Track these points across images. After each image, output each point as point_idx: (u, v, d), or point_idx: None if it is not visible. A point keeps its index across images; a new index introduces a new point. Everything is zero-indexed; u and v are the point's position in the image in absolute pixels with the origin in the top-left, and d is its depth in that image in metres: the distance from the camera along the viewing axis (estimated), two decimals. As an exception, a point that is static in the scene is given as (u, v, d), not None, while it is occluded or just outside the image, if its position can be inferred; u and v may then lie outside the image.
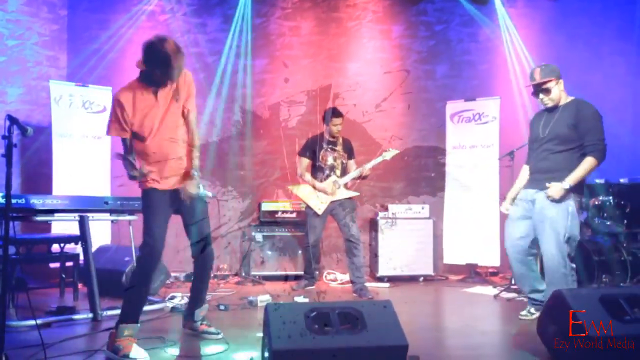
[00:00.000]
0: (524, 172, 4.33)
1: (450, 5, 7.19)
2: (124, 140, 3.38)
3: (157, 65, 3.17)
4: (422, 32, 7.24)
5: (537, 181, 4.08)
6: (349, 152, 5.66)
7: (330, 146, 5.58)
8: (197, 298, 3.72)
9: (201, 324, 3.68)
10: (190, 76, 3.49)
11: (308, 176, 5.62)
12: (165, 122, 3.35)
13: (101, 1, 6.82)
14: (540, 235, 4.01)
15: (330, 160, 5.56)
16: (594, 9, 6.74)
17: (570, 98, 4.10)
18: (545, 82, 4.01)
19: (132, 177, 3.36)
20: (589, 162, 3.89)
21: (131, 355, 3.09)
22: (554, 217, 3.92)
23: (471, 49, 7.15)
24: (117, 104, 3.25)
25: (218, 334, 3.60)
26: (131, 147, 3.39)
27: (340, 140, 5.63)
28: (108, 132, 3.35)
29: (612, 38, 6.61)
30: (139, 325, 3.29)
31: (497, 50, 7.02)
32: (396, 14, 7.25)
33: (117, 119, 3.27)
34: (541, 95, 4.06)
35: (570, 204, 3.92)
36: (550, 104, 4.07)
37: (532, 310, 4.18)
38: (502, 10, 6.96)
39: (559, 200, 3.90)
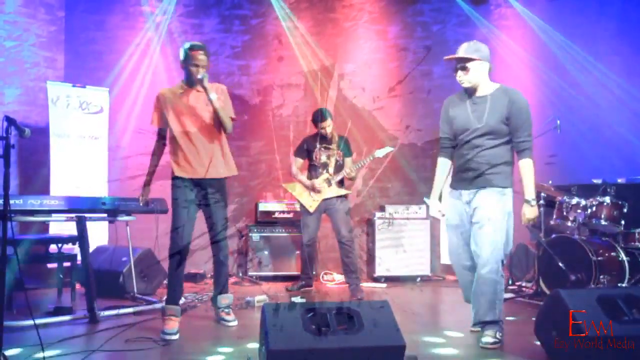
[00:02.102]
0: (444, 167, 3.81)
1: (446, 6, 7.20)
2: (158, 131, 4.01)
3: (186, 64, 3.83)
4: (418, 32, 7.25)
5: (470, 180, 3.59)
6: (345, 150, 5.62)
7: (324, 145, 5.56)
8: (216, 283, 4.14)
9: (222, 311, 4.06)
10: (224, 88, 4.04)
11: (299, 174, 5.62)
12: (196, 122, 3.88)
13: (98, 2, 6.81)
14: (476, 238, 3.53)
15: (323, 158, 5.55)
16: (591, 9, 6.76)
17: (496, 85, 3.68)
18: (467, 60, 3.56)
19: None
20: (530, 165, 3.52)
21: (165, 330, 3.63)
22: (493, 220, 3.47)
23: (468, 49, 7.16)
24: (156, 97, 3.97)
25: (233, 321, 4.02)
26: (164, 139, 4.01)
27: (336, 138, 5.60)
28: (151, 122, 4.00)
29: (609, 37, 6.62)
30: (177, 307, 3.81)
31: (493, 51, 7.01)
32: (392, 14, 7.26)
33: (155, 110, 3.96)
34: (459, 73, 3.59)
35: (508, 204, 3.53)
36: (466, 85, 3.62)
37: (498, 335, 3.48)
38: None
39: (497, 201, 3.49)
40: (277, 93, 7.13)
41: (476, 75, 3.60)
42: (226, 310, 4.07)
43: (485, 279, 3.49)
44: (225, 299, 4.09)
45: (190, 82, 3.88)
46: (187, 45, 3.87)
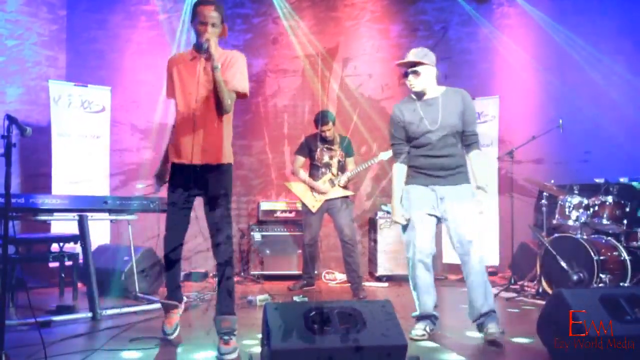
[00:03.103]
0: (402, 173, 3.77)
1: (449, 5, 7.19)
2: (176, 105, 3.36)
3: (193, 24, 3.24)
4: (420, 31, 7.24)
5: (443, 177, 3.64)
6: (347, 151, 5.61)
7: (326, 145, 5.55)
8: (217, 301, 3.33)
9: (220, 337, 3.20)
10: (239, 55, 3.33)
11: (302, 173, 5.60)
12: (201, 95, 3.25)
13: (100, 1, 6.82)
14: (460, 231, 3.60)
15: (325, 159, 5.53)
16: (593, 7, 6.74)
17: (443, 88, 3.75)
18: (418, 64, 3.64)
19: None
20: (481, 156, 3.74)
21: (164, 328, 3.48)
22: (473, 213, 3.62)
23: (470, 48, 7.15)
24: (167, 66, 3.38)
25: (230, 353, 3.12)
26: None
27: (338, 138, 5.59)
28: (167, 95, 3.45)
29: (612, 36, 6.61)
30: (177, 304, 3.51)
31: (496, 50, 7.02)
32: (395, 13, 7.25)
33: (167, 81, 3.39)
34: (411, 77, 3.66)
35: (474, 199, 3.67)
36: (417, 89, 3.67)
37: (428, 329, 3.69)
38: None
39: (471, 196, 3.63)
40: (278, 91, 7.12)
41: (426, 79, 3.69)
42: (225, 337, 3.18)
43: (478, 270, 3.62)
44: (225, 322, 3.23)
45: (198, 46, 3.27)
46: None
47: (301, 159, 5.65)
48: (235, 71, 3.27)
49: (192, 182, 3.29)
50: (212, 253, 3.35)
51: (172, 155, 3.33)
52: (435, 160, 3.64)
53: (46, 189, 5.91)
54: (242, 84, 3.30)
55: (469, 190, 3.67)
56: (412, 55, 3.69)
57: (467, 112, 3.66)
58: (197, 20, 3.20)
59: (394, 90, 7.08)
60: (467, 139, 3.70)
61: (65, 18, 6.73)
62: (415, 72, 3.66)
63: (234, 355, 3.14)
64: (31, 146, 6.20)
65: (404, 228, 3.77)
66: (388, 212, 3.82)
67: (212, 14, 3.18)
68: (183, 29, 6.86)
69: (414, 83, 3.68)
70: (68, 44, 6.73)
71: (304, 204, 5.55)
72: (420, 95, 3.72)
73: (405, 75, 3.72)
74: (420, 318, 3.75)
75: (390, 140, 3.85)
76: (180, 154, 3.26)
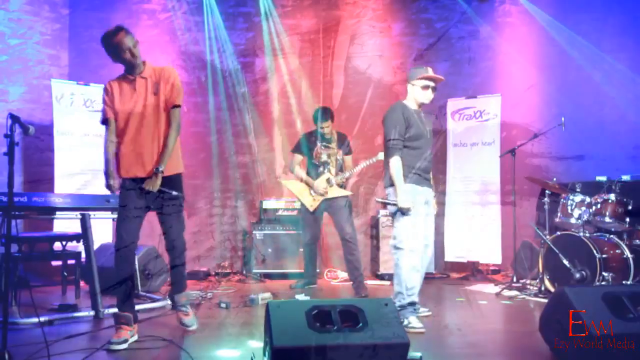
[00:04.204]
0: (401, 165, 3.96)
1: (451, 3, 7.17)
2: (108, 123, 3.60)
3: (111, 56, 3.52)
4: (422, 29, 7.23)
5: (427, 181, 4.10)
6: (345, 149, 5.56)
7: (324, 143, 5.49)
8: (172, 283, 3.88)
9: (178, 311, 3.78)
10: (171, 71, 3.64)
11: (299, 170, 5.55)
12: (142, 113, 3.52)
13: (102, 0, 6.82)
14: (429, 235, 4.17)
15: (324, 157, 5.46)
16: (595, 5, 6.73)
17: None
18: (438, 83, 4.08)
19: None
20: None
21: (112, 340, 3.34)
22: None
23: (472, 46, 7.14)
24: (104, 89, 3.64)
25: (191, 326, 3.74)
26: (113, 132, 3.59)
27: (335, 136, 5.52)
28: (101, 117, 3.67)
29: (614, 34, 6.59)
30: (127, 314, 3.50)
31: (497, 48, 7.01)
32: (396, 11, 7.24)
33: (104, 103, 3.62)
34: (433, 94, 4.07)
35: None
36: (428, 102, 4.12)
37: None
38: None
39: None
40: (280, 90, 7.12)
41: None
42: (184, 310, 3.77)
43: (428, 261, 4.26)
44: (182, 297, 3.80)
45: (129, 71, 3.62)
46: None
47: (298, 157, 5.60)
48: (172, 87, 3.58)
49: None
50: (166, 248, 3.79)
51: (121, 170, 3.59)
52: (425, 164, 4.05)
53: (49, 187, 5.92)
54: (179, 98, 3.61)
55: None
56: (436, 74, 4.05)
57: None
58: (118, 56, 3.51)
59: (395, 90, 7.07)
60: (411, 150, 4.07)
61: (67, 17, 6.73)
62: (435, 89, 4.06)
63: (196, 325, 3.76)
64: (34, 145, 6.22)
65: (406, 216, 3.89)
66: (388, 203, 3.90)
67: (126, 39, 3.48)
68: (184, 28, 6.87)
69: (431, 98, 4.07)
70: (70, 42, 6.74)
71: (302, 204, 5.52)
72: (418, 107, 4.10)
73: (433, 89, 4.04)
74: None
75: (394, 135, 3.93)
76: (127, 171, 3.55)
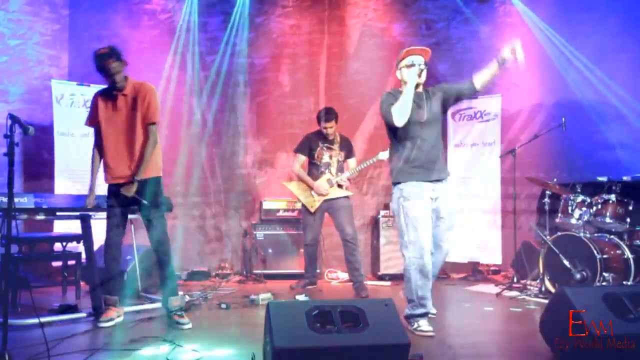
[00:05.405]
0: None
1: (451, 3, 7.17)
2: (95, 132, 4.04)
3: (98, 71, 3.85)
4: (422, 30, 7.23)
5: (432, 172, 3.73)
6: (347, 151, 5.58)
7: (326, 144, 5.52)
8: (162, 284, 4.10)
9: (174, 314, 3.92)
10: (148, 89, 3.93)
11: (302, 172, 5.57)
12: (121, 128, 3.91)
13: (102, 1, 6.82)
14: (445, 233, 3.83)
15: (325, 158, 5.49)
16: (595, 5, 6.72)
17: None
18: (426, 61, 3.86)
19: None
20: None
21: (101, 319, 3.88)
22: (455, 212, 3.97)
23: (472, 46, 7.13)
24: (92, 98, 4.03)
25: (187, 323, 3.87)
26: (98, 141, 4.02)
27: (338, 138, 5.56)
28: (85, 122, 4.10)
29: (615, 34, 6.58)
30: (114, 297, 3.99)
31: (498, 48, 6.97)
32: (397, 11, 7.24)
33: (90, 111, 4.02)
34: (423, 70, 3.80)
35: None
36: (420, 82, 3.83)
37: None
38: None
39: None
40: (281, 89, 7.12)
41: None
42: (179, 313, 3.94)
43: (441, 262, 3.98)
44: (176, 301, 3.96)
45: (112, 87, 3.94)
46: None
47: (302, 158, 5.61)
48: (148, 106, 3.89)
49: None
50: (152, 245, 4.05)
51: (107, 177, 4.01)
52: (427, 153, 3.79)
53: (49, 188, 5.92)
54: (155, 116, 3.92)
55: (450, 187, 3.97)
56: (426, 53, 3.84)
57: (447, 88, 4.04)
58: (104, 76, 3.84)
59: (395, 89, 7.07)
60: (472, 82, 4.05)
61: (67, 17, 6.73)
62: (425, 67, 3.82)
63: (190, 325, 3.87)
64: (34, 145, 6.21)
65: (405, 217, 3.72)
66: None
67: (113, 64, 3.82)
68: (184, 28, 6.87)
69: (419, 74, 3.78)
70: (70, 43, 6.73)
71: (302, 204, 5.54)
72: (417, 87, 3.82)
73: (411, 65, 3.78)
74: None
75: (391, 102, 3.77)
76: (112, 177, 3.96)
